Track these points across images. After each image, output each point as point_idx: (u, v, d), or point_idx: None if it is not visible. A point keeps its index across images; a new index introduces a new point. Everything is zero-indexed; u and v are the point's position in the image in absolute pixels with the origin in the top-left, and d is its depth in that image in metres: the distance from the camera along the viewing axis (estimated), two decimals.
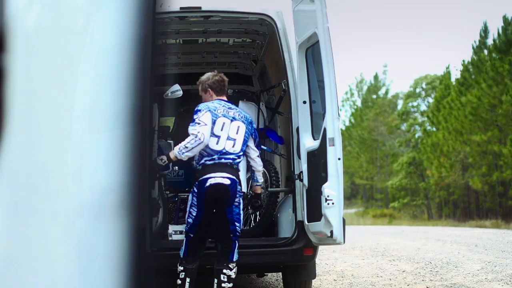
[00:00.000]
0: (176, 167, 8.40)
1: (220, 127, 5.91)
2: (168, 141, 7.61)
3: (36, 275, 1.71)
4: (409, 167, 47.25)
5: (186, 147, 5.72)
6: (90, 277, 1.73)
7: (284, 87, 6.75)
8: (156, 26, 1.79)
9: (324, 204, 5.68)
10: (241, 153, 5.98)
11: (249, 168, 7.13)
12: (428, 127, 45.20)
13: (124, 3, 1.75)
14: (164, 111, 10.04)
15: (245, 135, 5.98)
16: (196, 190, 5.86)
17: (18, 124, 1.74)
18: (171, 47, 7.94)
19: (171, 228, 6.93)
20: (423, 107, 54.32)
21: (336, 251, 13.71)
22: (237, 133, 5.95)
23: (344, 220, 5.76)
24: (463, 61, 38.49)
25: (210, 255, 5.88)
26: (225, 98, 6.10)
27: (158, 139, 7.06)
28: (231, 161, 5.87)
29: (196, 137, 5.70)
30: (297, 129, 6.35)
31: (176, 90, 7.04)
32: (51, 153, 1.79)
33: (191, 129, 5.78)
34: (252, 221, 6.95)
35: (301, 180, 6.20)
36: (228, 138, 5.91)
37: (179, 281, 5.85)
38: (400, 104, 59.13)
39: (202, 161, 5.87)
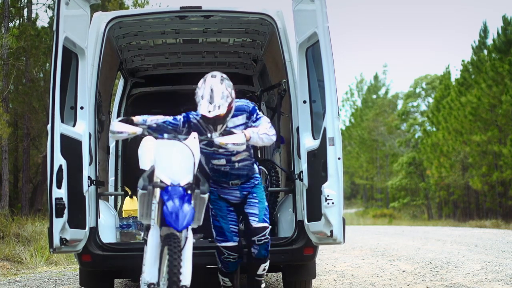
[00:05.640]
0: None
1: None
2: None
3: None
4: (409, 167, 47.24)
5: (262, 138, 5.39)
6: None
7: (284, 87, 6.74)
8: None
9: (324, 203, 5.68)
10: None
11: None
12: (428, 127, 45.19)
13: None
14: (164, 111, 10.02)
15: None
16: None
17: None
18: (171, 47, 7.93)
19: None
20: (423, 107, 54.36)
21: (336, 251, 13.71)
22: None
23: (344, 220, 5.77)
24: (463, 61, 38.51)
25: None
26: None
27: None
28: None
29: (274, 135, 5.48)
30: (297, 128, 6.35)
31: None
32: None
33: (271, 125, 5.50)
34: None
35: (301, 180, 6.20)
36: None
37: None
38: (400, 104, 59.16)
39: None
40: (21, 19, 18.99)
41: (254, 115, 5.57)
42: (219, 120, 5.28)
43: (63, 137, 5.63)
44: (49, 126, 5.52)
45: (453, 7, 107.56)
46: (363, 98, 65.61)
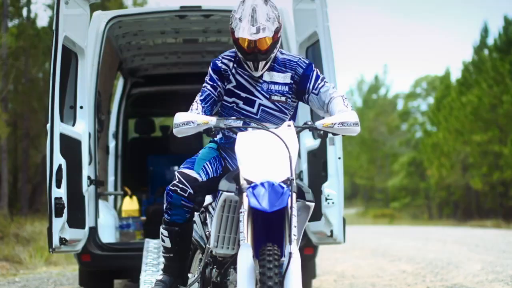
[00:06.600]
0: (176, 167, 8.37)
1: None
2: None
3: None
4: (410, 167, 47.23)
5: None
6: None
7: None
8: None
9: (324, 203, 5.67)
10: None
11: None
12: (429, 127, 45.18)
13: None
14: (164, 111, 10.02)
15: None
16: None
17: None
18: (171, 47, 7.92)
19: None
20: (424, 107, 54.34)
21: (336, 251, 13.70)
22: None
23: (344, 220, 5.75)
24: (464, 61, 38.51)
25: None
26: None
27: None
28: None
29: None
30: None
31: None
32: None
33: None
34: None
35: (301, 180, 6.19)
36: None
37: None
38: (400, 104, 59.14)
39: None
40: (20, 19, 18.97)
41: (313, 79, 4.10)
42: (261, 54, 3.91)
43: (63, 136, 5.61)
44: (48, 126, 5.50)
45: (453, 7, 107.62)
46: (363, 98, 65.59)
